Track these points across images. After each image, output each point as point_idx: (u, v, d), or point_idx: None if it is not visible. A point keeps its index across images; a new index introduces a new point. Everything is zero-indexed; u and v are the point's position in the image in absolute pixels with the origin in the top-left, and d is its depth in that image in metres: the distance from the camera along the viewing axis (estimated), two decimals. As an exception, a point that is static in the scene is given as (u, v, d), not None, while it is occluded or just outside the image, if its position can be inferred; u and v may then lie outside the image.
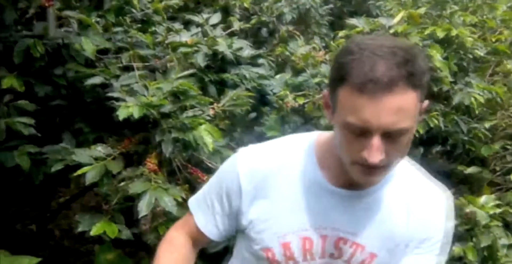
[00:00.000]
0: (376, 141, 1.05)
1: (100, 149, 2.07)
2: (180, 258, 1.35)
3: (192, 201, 1.37)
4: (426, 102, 1.13)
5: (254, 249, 1.28)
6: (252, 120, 2.93)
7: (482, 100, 3.11)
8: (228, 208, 1.30)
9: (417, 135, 2.89)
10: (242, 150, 1.30)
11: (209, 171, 2.32)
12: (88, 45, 2.22)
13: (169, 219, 2.14)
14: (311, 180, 1.23)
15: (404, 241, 1.25)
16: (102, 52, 2.45)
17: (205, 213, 1.34)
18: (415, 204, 1.26)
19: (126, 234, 2.04)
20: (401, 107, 1.03)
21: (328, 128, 2.87)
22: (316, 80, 2.99)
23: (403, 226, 1.24)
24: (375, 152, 1.06)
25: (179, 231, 1.39)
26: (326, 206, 1.23)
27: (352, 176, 1.16)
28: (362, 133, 1.06)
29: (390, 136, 1.06)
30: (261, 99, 2.87)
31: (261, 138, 2.88)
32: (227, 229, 1.33)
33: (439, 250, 1.29)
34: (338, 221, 1.23)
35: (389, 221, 1.24)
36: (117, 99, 2.11)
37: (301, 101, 2.86)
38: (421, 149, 3.29)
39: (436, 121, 3.01)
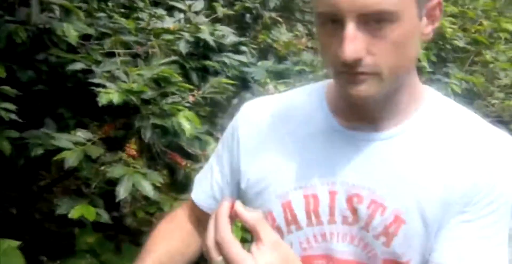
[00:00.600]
0: (349, 28, 0.83)
1: (80, 134, 2.10)
2: (175, 237, 1.18)
3: (197, 174, 1.22)
4: None
5: None
6: (234, 106, 2.97)
7: (459, 90, 3.17)
8: (229, 172, 1.11)
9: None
10: (246, 102, 1.13)
11: (189, 157, 2.37)
12: (70, 31, 2.24)
13: (148, 204, 2.19)
14: (318, 124, 1.01)
15: (443, 204, 0.92)
16: (85, 37, 2.47)
17: (202, 184, 1.17)
18: (458, 149, 0.94)
19: (105, 217, 2.08)
20: None
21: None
22: (298, 68, 3.03)
23: (440, 181, 0.93)
24: (347, 43, 0.83)
25: (184, 209, 1.23)
26: (335, 154, 0.98)
27: (342, 93, 0.94)
28: (336, 22, 0.84)
29: (370, 24, 0.83)
30: (243, 85, 2.91)
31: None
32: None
33: (495, 216, 0.92)
34: (350, 173, 0.97)
35: (419, 175, 0.94)
36: (98, 85, 2.14)
37: (282, 88, 2.90)
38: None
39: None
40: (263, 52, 3.39)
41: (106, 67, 2.26)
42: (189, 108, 2.28)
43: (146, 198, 2.08)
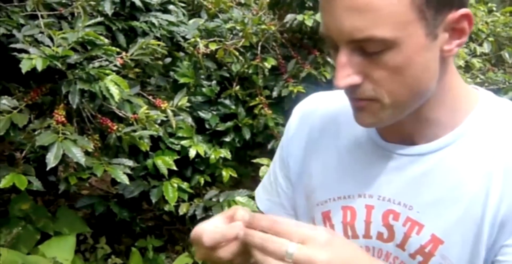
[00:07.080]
0: (341, 55, 0.79)
1: (5, 102, 2.06)
2: None
3: (258, 186, 1.15)
4: (461, 11, 0.79)
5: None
6: (167, 66, 2.94)
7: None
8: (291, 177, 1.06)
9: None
10: (300, 102, 1.08)
11: (120, 120, 2.36)
12: (-13, -5, 2.16)
13: (81, 169, 2.18)
14: (361, 135, 0.96)
15: (486, 225, 0.83)
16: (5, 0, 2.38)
17: (268, 193, 1.11)
18: (506, 164, 0.84)
19: (37, 185, 2.07)
20: (369, 6, 0.75)
21: (239, 74, 2.94)
22: (228, 25, 3.01)
23: (481, 199, 0.84)
24: (338, 71, 0.80)
25: None
26: (374, 167, 0.93)
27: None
28: (335, 47, 0.82)
29: (364, 51, 0.78)
30: (176, 45, 2.87)
31: (176, 84, 2.92)
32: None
33: None
34: (386, 188, 0.92)
35: (460, 193, 0.86)
36: (21, 51, 2.08)
37: (213, 47, 2.88)
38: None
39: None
40: (198, 9, 3.34)
41: (27, 31, 2.20)
42: (118, 71, 2.25)
43: (78, 164, 2.07)
